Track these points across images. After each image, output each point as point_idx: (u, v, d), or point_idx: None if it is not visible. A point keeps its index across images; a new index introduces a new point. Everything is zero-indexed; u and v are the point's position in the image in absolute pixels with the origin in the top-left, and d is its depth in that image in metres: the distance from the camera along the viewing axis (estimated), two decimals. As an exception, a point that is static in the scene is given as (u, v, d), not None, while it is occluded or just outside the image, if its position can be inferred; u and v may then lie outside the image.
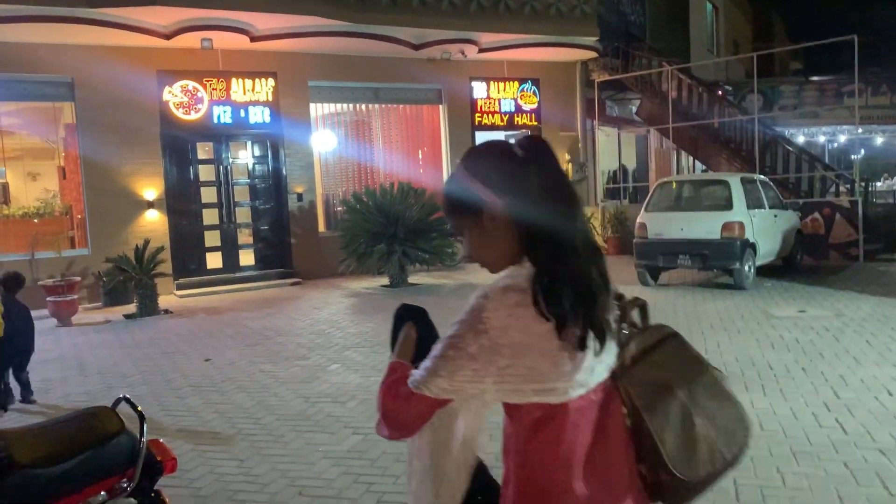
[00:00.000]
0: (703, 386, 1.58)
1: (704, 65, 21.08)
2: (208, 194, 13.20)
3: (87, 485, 2.24)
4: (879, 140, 24.93)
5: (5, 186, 14.96)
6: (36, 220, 12.12)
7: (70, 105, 12.05)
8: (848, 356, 6.32)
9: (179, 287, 12.47)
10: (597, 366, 1.50)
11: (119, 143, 11.99)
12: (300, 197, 13.60)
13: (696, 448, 1.51)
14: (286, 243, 13.56)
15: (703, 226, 10.26)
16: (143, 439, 2.36)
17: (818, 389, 5.41)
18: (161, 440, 2.56)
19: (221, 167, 13.28)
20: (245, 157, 13.75)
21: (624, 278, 11.75)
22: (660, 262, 10.76)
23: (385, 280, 12.25)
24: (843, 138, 27.62)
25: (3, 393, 5.95)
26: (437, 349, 1.53)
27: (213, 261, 13.18)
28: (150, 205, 12.33)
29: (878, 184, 23.67)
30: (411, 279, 12.33)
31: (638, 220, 11.10)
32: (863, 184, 14.05)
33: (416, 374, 1.54)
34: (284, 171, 13.51)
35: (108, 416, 2.41)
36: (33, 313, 6.36)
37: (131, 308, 10.60)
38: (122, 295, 11.19)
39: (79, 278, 11.31)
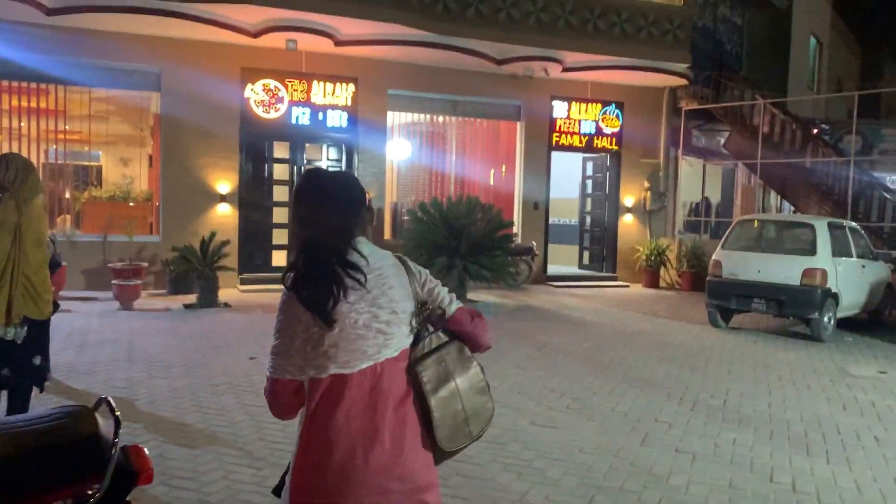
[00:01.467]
0: (471, 381, 2.12)
1: (802, 100, 20.10)
2: (280, 193, 13.34)
3: (47, 489, 2.10)
4: None
5: (98, 170, 15.61)
6: (130, 203, 12.51)
7: (157, 95, 12.40)
8: (929, 429, 5.73)
9: (243, 282, 12.61)
10: (367, 348, 1.95)
11: (199, 136, 12.25)
12: (370, 203, 13.56)
13: (458, 426, 2.06)
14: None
15: (783, 270, 9.65)
16: (116, 445, 2.20)
17: (889, 462, 4.89)
18: (142, 447, 2.40)
19: (296, 167, 13.40)
20: (320, 159, 13.83)
21: (694, 316, 11.22)
22: (732, 304, 10.19)
23: (445, 294, 12.05)
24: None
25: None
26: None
27: (279, 258, 13.28)
28: (223, 198, 12.53)
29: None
30: (470, 295, 12.08)
31: (713, 256, 10.56)
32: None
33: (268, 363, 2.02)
34: (357, 176, 13.49)
35: (83, 418, 2.27)
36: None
37: (192, 298, 10.75)
38: (186, 284, 11.37)
39: (146, 264, 11.57)
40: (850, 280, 9.95)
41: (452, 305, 2.17)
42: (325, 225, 1.99)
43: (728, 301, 10.20)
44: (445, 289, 2.19)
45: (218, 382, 6.42)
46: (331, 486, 1.90)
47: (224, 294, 11.23)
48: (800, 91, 21.08)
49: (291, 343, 1.94)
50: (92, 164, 15.43)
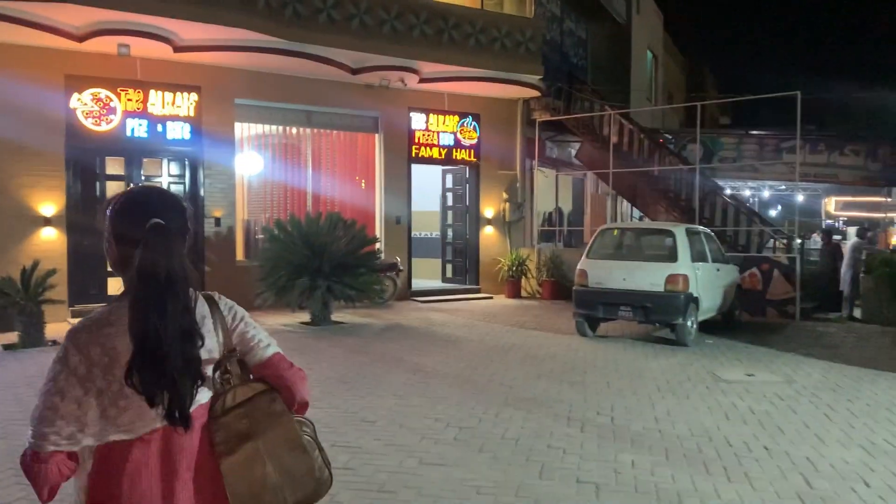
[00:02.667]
0: (284, 439, 1.81)
1: (643, 112, 21.04)
2: (116, 213, 12.02)
3: None
4: (801, 197, 25.52)
5: None
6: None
7: (-38, 106, 10.80)
8: (809, 433, 5.77)
9: (75, 315, 11.21)
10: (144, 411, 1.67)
11: (15, 152, 10.77)
12: (218, 221, 12.57)
13: (262, 491, 1.75)
14: (199, 271, 12.44)
15: (647, 277, 9.77)
16: None
17: (786, 475, 4.80)
18: None
19: (132, 184, 12.15)
20: (160, 175, 12.64)
21: (561, 326, 11.17)
22: (600, 313, 10.20)
23: (306, 317, 11.30)
24: (767, 194, 28.22)
25: None
26: None
27: (115, 286, 11.94)
28: (48, 221, 11.10)
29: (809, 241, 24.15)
30: (335, 316, 11.41)
31: (578, 266, 10.54)
32: (800, 240, 13.93)
33: None
34: (203, 193, 12.47)
35: None
36: None
37: (14, 337, 9.33)
38: (5, 321, 9.88)
39: (-46, 301, 9.99)
40: (708, 284, 10.25)
41: (269, 349, 1.92)
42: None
43: (595, 310, 10.21)
44: (262, 330, 1.95)
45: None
46: None
47: (52, 329, 9.87)
48: (640, 103, 22.07)
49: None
50: None
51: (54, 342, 9.36)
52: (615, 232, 11.26)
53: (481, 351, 9.19)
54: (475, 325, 11.44)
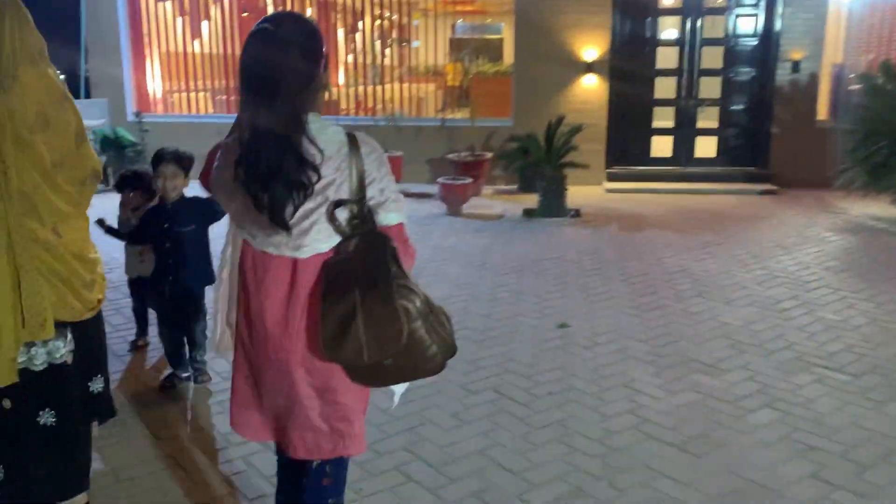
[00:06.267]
0: (380, 295, 1.73)
1: None
2: (666, 57, 9.87)
3: None
4: None
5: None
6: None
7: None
8: None
9: (610, 177, 9.75)
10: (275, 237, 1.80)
11: (558, -14, 9.38)
12: (796, 66, 9.32)
13: (345, 339, 1.72)
14: (763, 133, 9.59)
15: None
16: None
17: None
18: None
19: (689, 20, 9.72)
20: (725, 3, 9.85)
21: None
22: None
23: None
24: None
25: (178, 357, 3.84)
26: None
27: (660, 147, 10.03)
28: (589, 68, 9.59)
29: None
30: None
31: None
32: None
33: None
34: (778, 28, 9.34)
35: None
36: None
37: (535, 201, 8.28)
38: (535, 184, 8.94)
39: (489, 154, 9.45)
40: None
41: (393, 216, 1.87)
42: (275, 107, 1.71)
43: None
44: (396, 191, 1.89)
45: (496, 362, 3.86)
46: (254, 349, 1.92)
47: (581, 194, 8.61)
48: None
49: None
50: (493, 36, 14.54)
51: (575, 213, 8.01)
52: None
53: None
54: None
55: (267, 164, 1.70)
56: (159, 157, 3.57)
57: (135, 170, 4.14)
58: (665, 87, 9.93)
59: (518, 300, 5.18)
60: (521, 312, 4.92)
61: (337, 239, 1.79)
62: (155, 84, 10.94)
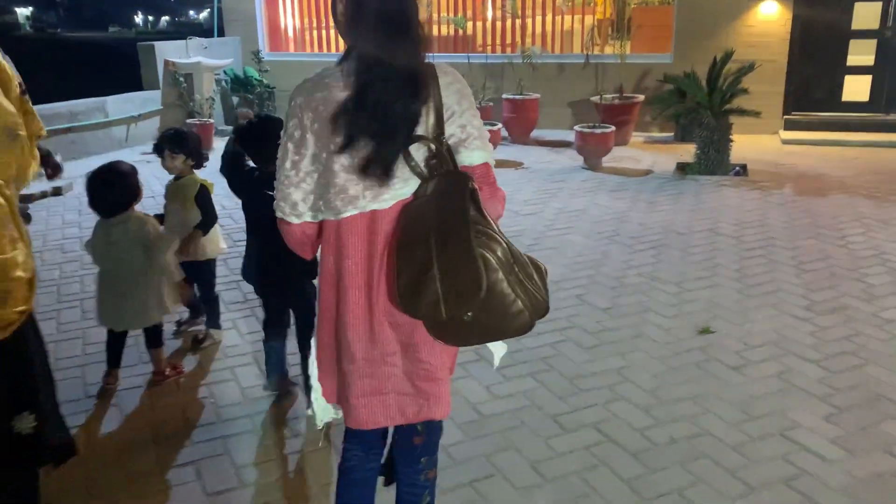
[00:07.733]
0: (457, 243, 1.54)
1: None
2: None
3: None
4: None
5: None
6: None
7: None
8: None
9: (789, 125, 8.18)
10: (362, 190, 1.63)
11: None
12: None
13: (422, 293, 1.55)
14: None
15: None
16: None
17: None
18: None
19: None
20: None
21: None
22: None
23: None
24: None
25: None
26: None
27: (855, 89, 8.26)
28: (771, -7, 7.98)
29: None
30: None
31: None
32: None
33: None
34: None
35: None
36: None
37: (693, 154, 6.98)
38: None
39: (640, 97, 8.20)
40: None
41: (477, 154, 1.70)
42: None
43: None
44: (480, 126, 1.71)
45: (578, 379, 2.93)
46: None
47: (750, 146, 7.26)
48: None
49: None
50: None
51: (740, 169, 6.67)
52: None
53: None
54: None
55: (401, 110, 1.58)
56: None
57: (177, 129, 3.49)
58: (866, 15, 8.10)
59: (650, 288, 4.13)
60: (652, 307, 3.88)
61: (416, 182, 1.63)
62: (286, 21, 10.47)
